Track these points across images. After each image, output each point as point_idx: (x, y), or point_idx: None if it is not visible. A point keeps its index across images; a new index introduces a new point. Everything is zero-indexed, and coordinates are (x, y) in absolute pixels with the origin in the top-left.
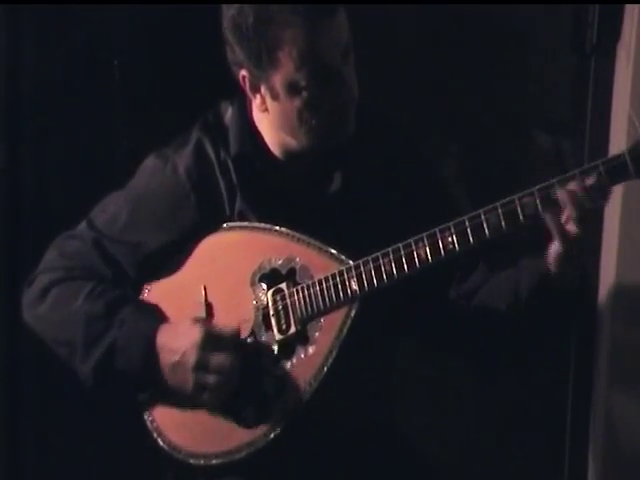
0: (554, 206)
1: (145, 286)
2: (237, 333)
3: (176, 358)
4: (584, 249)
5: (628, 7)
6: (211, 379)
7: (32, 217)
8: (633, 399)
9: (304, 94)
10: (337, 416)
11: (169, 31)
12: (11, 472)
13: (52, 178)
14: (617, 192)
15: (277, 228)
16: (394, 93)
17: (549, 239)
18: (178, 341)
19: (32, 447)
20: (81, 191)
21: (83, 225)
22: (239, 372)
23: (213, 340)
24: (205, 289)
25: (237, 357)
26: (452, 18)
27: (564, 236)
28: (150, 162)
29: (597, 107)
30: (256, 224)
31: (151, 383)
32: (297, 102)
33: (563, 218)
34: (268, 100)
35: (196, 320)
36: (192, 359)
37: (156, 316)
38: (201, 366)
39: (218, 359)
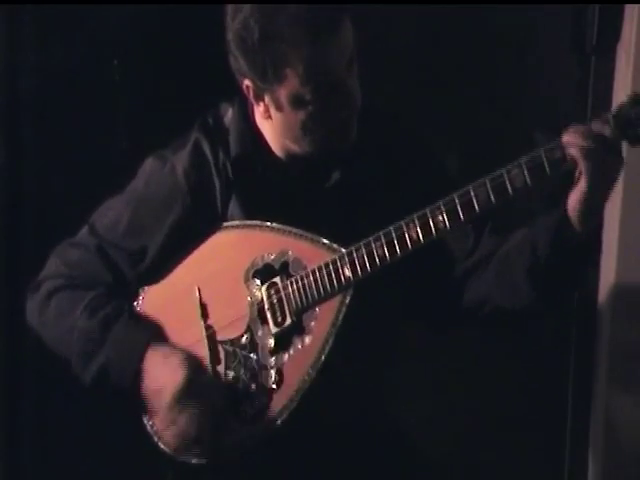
0: (545, 177)
1: (141, 290)
2: (220, 384)
3: (155, 386)
4: (607, 192)
5: (628, 7)
6: (180, 421)
7: (31, 217)
8: (633, 399)
9: (309, 107)
10: (336, 405)
11: (169, 31)
12: (11, 472)
13: (52, 178)
14: (617, 192)
15: (268, 224)
16: (393, 93)
17: (571, 182)
18: (162, 372)
19: (32, 448)
20: (81, 192)
21: (85, 231)
22: (210, 424)
23: (192, 389)
24: (199, 290)
25: (212, 407)
26: (452, 18)
27: (591, 173)
28: (148, 164)
29: (597, 107)
30: (247, 222)
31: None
32: (301, 114)
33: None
34: (272, 110)
35: (186, 358)
36: (166, 399)
37: (149, 329)
38: (173, 409)
39: (191, 411)
